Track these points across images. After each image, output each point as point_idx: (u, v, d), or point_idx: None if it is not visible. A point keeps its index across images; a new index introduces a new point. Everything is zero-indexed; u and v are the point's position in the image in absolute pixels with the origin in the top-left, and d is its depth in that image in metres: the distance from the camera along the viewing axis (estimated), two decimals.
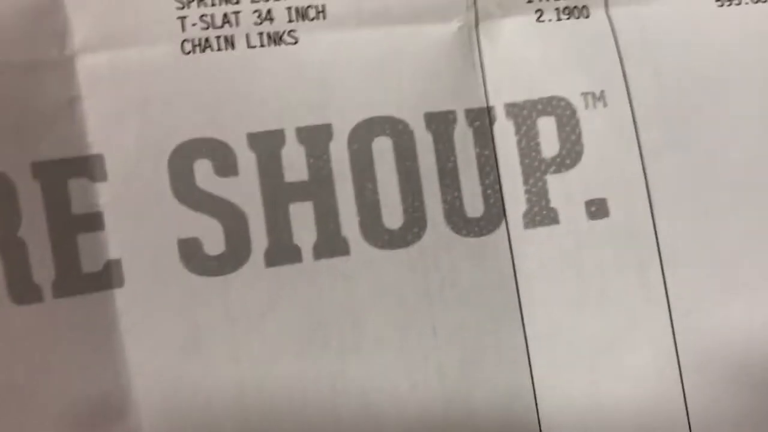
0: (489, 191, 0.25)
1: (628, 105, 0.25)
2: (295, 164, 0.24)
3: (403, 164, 0.24)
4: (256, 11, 0.25)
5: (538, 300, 0.24)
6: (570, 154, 0.25)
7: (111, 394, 0.23)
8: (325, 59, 0.25)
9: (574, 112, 0.25)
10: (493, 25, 0.25)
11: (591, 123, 0.25)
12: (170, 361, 0.24)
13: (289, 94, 0.24)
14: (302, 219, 0.24)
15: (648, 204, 0.25)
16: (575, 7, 0.26)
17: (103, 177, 0.23)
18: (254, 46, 0.24)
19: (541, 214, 0.25)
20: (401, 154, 0.24)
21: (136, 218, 0.23)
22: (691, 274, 0.25)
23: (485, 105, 0.25)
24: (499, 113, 0.25)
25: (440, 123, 0.25)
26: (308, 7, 0.25)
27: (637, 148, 0.25)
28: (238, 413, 0.24)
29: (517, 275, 0.25)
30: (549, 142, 0.25)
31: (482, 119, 0.25)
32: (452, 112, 0.25)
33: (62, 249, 0.23)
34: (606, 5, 0.26)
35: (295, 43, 0.25)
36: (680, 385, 0.24)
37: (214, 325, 0.24)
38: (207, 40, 0.24)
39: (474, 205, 0.25)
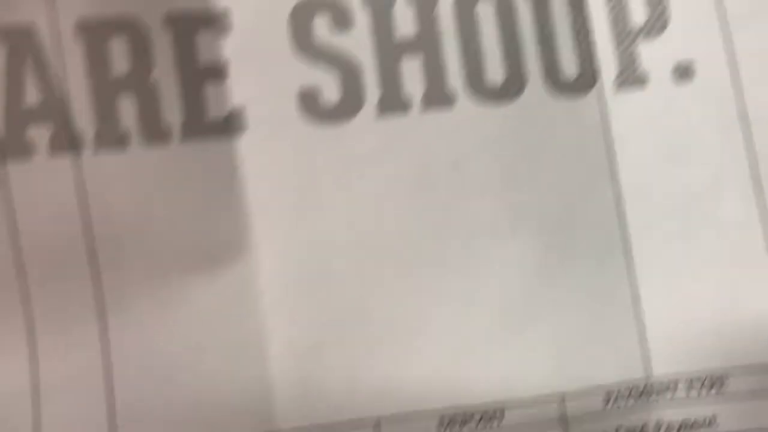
0: (583, 55, 0.26)
1: None
2: (405, 20, 0.26)
3: (505, 26, 0.26)
4: None
5: (630, 157, 0.26)
6: (659, 21, 0.26)
7: (232, 235, 0.25)
8: None
9: None
10: None
11: None
12: (288, 204, 0.25)
13: None
14: (411, 72, 0.25)
15: (733, 66, 0.26)
16: None
17: (229, 29, 0.25)
18: None
19: (632, 77, 0.26)
20: (503, 16, 0.26)
21: (258, 69, 0.25)
22: None
23: None
24: None
25: None
26: None
27: (723, 16, 0.27)
28: (350, 255, 0.25)
29: (610, 134, 0.26)
30: (638, 10, 0.26)
31: None
32: None
33: (190, 95, 0.25)
34: None
35: None
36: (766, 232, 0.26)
37: (330, 171, 0.25)
38: None
39: (569, 68, 0.26)
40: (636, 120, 0.26)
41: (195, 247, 0.25)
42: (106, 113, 0.24)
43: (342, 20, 0.25)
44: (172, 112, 0.25)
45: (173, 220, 0.25)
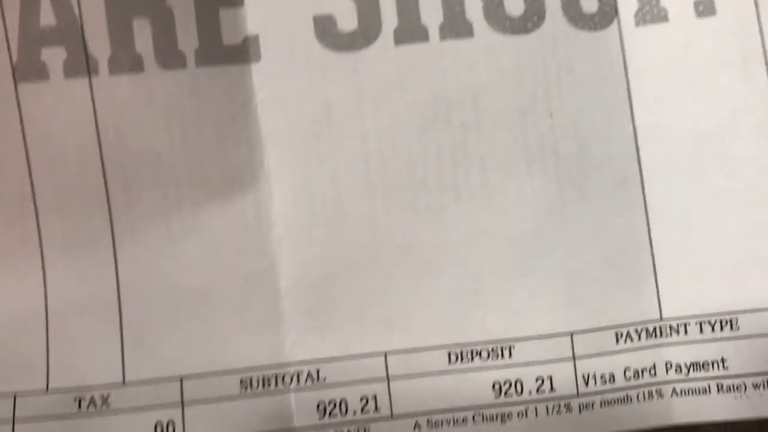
0: None
1: None
2: None
3: None
4: None
5: (647, 93, 0.25)
6: None
7: (245, 163, 0.25)
8: None
9: None
10: None
11: None
12: (301, 134, 0.25)
13: None
14: (430, 1, 0.25)
15: (756, 3, 0.26)
16: None
17: None
18: None
19: (652, 12, 0.26)
20: None
21: None
22: None
23: None
24: None
25: None
26: None
27: None
28: (363, 186, 0.25)
29: (628, 69, 0.26)
30: None
31: None
32: None
33: (205, 21, 0.24)
34: None
35: None
36: None
37: (345, 100, 0.25)
38: None
39: (589, 2, 0.26)
40: (655, 56, 0.26)
41: (207, 176, 0.25)
42: (120, 37, 0.24)
43: None
44: (187, 38, 0.24)
45: (186, 148, 0.24)
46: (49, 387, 0.24)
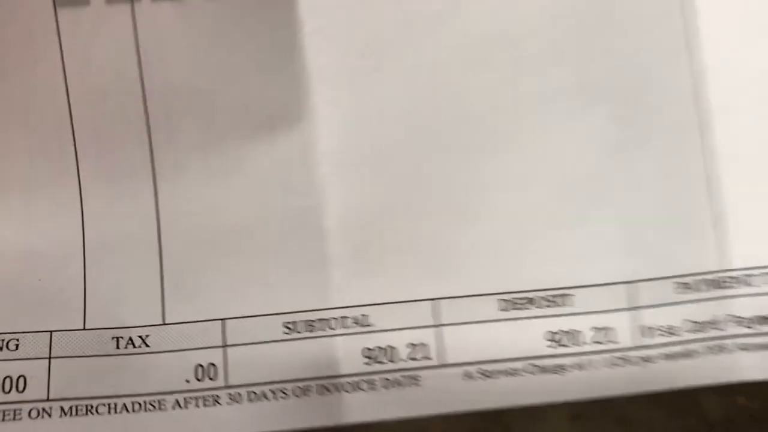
0: None
1: None
2: None
3: None
4: None
5: (710, 33, 0.24)
6: None
7: (290, 98, 0.24)
8: None
9: None
10: None
11: None
12: (348, 69, 0.24)
13: None
14: None
15: None
16: None
17: None
18: None
19: None
20: None
21: None
22: None
23: None
24: None
25: None
26: None
27: None
28: (409, 123, 0.24)
29: (691, 9, 0.24)
30: None
31: None
32: None
33: None
34: None
35: None
36: None
37: (392, 36, 0.24)
38: None
39: None
40: None
41: (251, 111, 0.24)
42: None
43: None
44: None
45: (229, 80, 0.23)
46: (86, 325, 0.23)
